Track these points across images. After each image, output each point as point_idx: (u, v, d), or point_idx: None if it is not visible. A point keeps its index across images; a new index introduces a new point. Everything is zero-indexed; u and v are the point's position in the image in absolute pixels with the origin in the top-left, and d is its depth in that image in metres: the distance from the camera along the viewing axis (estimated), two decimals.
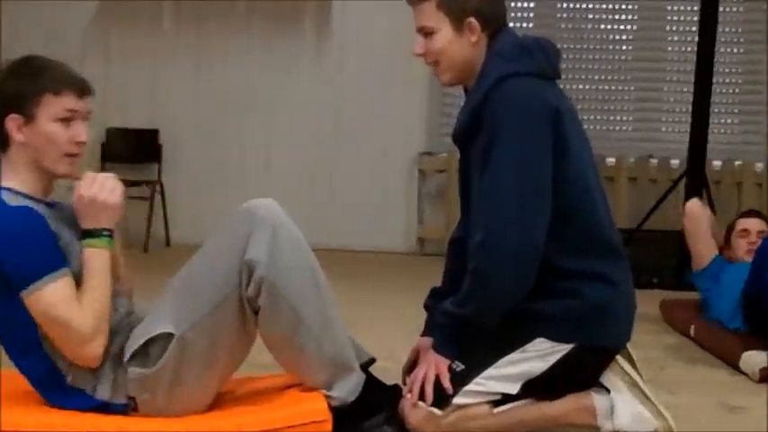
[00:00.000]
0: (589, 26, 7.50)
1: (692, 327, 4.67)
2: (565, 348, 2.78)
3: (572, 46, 7.47)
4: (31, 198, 2.60)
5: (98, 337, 2.56)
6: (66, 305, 2.52)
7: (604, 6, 7.51)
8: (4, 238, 2.49)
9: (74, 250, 2.58)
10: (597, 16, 7.53)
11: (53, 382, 2.62)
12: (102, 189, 2.57)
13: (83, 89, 2.62)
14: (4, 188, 2.58)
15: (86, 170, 2.68)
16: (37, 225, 2.52)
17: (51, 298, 2.50)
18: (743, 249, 4.66)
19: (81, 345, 2.54)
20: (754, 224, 4.74)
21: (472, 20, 2.75)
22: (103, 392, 2.64)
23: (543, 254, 2.73)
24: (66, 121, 2.57)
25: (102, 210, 2.58)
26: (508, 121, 2.70)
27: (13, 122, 2.55)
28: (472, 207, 2.89)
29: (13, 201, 2.55)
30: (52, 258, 2.52)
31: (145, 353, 2.62)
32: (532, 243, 2.69)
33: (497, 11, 2.83)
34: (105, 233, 2.60)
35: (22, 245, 2.49)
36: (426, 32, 2.80)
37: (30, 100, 2.54)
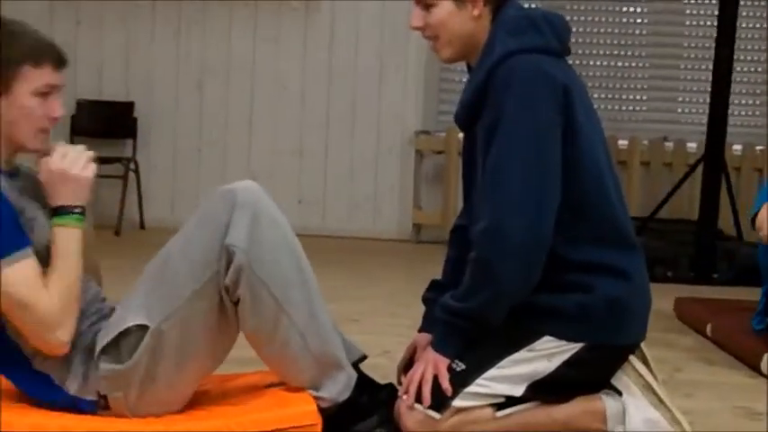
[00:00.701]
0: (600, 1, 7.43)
1: (709, 325, 4.49)
2: (574, 347, 2.70)
3: (582, 18, 7.27)
4: None
5: (65, 323, 2.50)
6: (30, 287, 2.45)
7: None
8: None
9: (39, 223, 2.53)
10: None
11: (18, 366, 2.58)
12: (75, 164, 2.51)
13: (61, 60, 2.57)
14: None
15: (56, 143, 2.62)
16: (2, 207, 2.50)
17: (13, 279, 2.44)
18: None
19: (46, 331, 2.48)
20: None
21: None
22: (72, 386, 2.56)
23: (552, 244, 2.63)
24: (44, 95, 2.52)
25: (73, 186, 2.53)
26: (514, 100, 2.62)
27: None
28: (476, 192, 2.79)
29: None
30: (14, 237, 2.46)
31: (117, 347, 2.55)
32: (540, 232, 2.62)
33: None
34: (76, 210, 2.53)
35: None
36: (425, 4, 2.75)
37: (7, 70, 2.49)
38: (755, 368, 3.94)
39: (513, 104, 2.62)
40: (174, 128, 7.20)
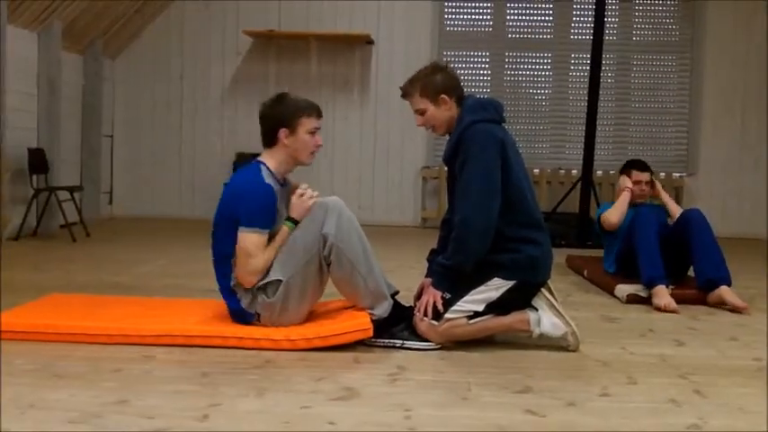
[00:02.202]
0: (522, 88, 9.15)
1: (585, 270, 5.50)
2: (511, 283, 3.25)
3: (515, 101, 9.14)
4: (275, 178, 3.26)
5: (259, 274, 3.22)
6: (255, 249, 3.18)
7: (531, 76, 9.14)
8: (251, 199, 3.18)
9: (280, 219, 3.25)
10: (528, 82, 9.20)
11: (225, 282, 3.31)
12: (305, 200, 3.24)
13: (320, 113, 3.33)
14: (263, 163, 3.29)
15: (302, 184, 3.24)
16: (270, 201, 3.19)
17: (250, 240, 3.17)
18: (634, 196, 5.12)
19: (249, 274, 3.22)
20: (643, 176, 5.19)
21: (443, 96, 3.32)
22: (244, 302, 3.30)
23: (497, 227, 3.18)
24: (312, 133, 3.29)
25: (300, 210, 3.26)
26: (474, 149, 3.17)
27: (282, 133, 3.26)
28: (455, 200, 3.28)
29: (266, 177, 3.22)
30: (266, 219, 3.19)
31: (266, 288, 3.24)
32: (490, 221, 3.16)
33: (456, 85, 3.36)
34: (293, 223, 3.26)
35: (257, 205, 3.18)
36: (420, 112, 3.38)
37: (294, 120, 3.25)
38: (611, 293, 4.80)
39: (474, 151, 3.17)
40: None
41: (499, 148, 3.20)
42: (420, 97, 3.34)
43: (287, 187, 3.38)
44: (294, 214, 3.24)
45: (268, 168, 3.27)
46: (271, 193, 3.18)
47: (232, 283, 3.26)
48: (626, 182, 5.15)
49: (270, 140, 3.28)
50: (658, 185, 5.25)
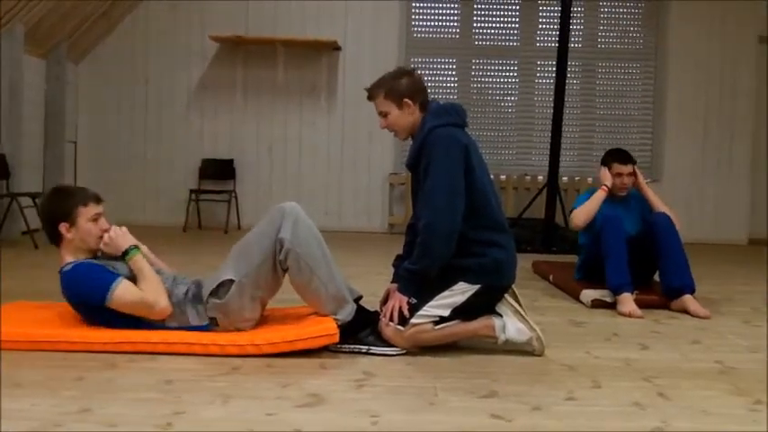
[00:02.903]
0: (489, 95, 9.20)
1: (552, 276, 5.47)
2: (476, 287, 3.23)
3: (481, 107, 9.21)
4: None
5: (160, 299, 3.22)
6: (133, 292, 3.17)
7: (497, 83, 9.20)
8: (83, 280, 3.19)
9: (120, 267, 3.27)
10: (494, 89, 9.24)
11: (163, 326, 3.29)
12: (113, 233, 3.31)
13: (98, 198, 3.31)
14: (67, 262, 3.33)
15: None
16: (93, 266, 3.24)
17: (122, 292, 3.16)
18: (617, 189, 4.90)
19: (153, 307, 3.21)
20: (625, 168, 4.91)
21: (406, 100, 3.35)
22: (193, 320, 3.29)
23: (461, 231, 3.15)
24: (94, 220, 3.28)
25: (120, 240, 3.32)
26: (438, 154, 3.17)
27: (63, 227, 3.27)
28: (419, 204, 3.28)
29: (73, 262, 3.28)
30: (108, 276, 3.18)
31: (218, 291, 3.23)
32: (454, 225, 3.15)
33: (420, 90, 3.39)
34: (131, 248, 3.31)
35: (91, 278, 3.20)
36: (383, 115, 3.39)
37: (71, 212, 3.26)
38: (577, 298, 4.80)
39: (437, 156, 3.16)
40: (257, 173, 9.02)
41: (462, 152, 3.21)
42: (384, 99, 3.36)
43: (101, 257, 3.40)
44: (120, 249, 3.28)
45: (71, 263, 3.30)
46: (87, 262, 3.23)
47: (165, 321, 3.28)
48: (605, 177, 4.91)
49: (55, 238, 3.30)
50: (641, 177, 4.98)
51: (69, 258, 3.24)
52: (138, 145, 9.21)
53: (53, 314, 3.62)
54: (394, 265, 3.55)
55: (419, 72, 3.52)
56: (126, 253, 3.25)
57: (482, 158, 3.35)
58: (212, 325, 3.27)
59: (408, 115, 3.36)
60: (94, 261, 3.22)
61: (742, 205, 9.18)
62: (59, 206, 3.23)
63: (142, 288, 3.15)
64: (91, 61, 9.14)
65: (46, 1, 7.41)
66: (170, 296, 3.23)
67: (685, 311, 4.52)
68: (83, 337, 3.26)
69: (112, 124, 9.19)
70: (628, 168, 4.86)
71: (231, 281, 3.19)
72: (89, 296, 3.13)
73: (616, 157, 4.93)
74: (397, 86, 3.33)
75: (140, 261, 3.24)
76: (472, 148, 3.27)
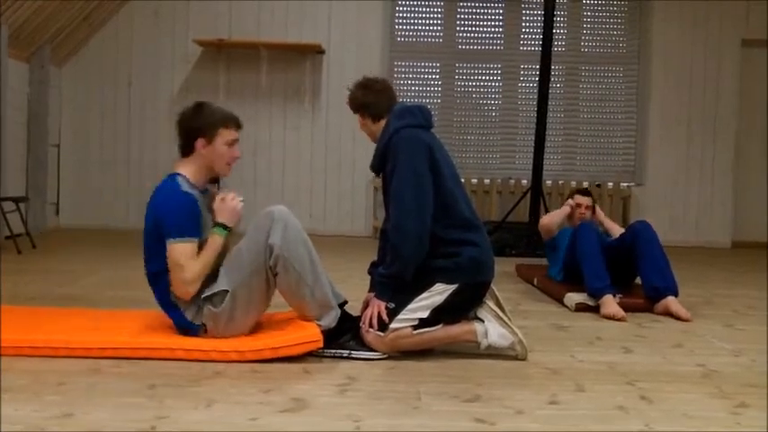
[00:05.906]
0: (472, 98, 9.21)
1: (535, 279, 5.49)
2: (454, 286, 3.24)
3: (465, 111, 9.19)
4: (194, 187, 3.22)
5: (195, 283, 3.16)
6: (186, 259, 3.11)
7: (481, 87, 9.20)
8: (174, 209, 3.14)
9: (207, 226, 3.20)
10: (478, 92, 9.24)
11: (165, 297, 3.27)
12: (234, 203, 3.22)
13: (239, 124, 3.32)
14: (180, 174, 3.25)
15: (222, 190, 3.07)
16: (194, 209, 3.16)
17: (179, 251, 3.10)
18: (575, 218, 5.33)
19: (181, 284, 3.15)
20: (584, 200, 5.38)
21: (359, 112, 3.50)
22: (189, 315, 3.25)
23: (433, 231, 3.17)
24: (230, 144, 3.28)
25: (231, 215, 3.24)
26: (402, 156, 3.21)
27: (200, 143, 3.25)
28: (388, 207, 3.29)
29: (186, 187, 3.18)
30: (192, 230, 3.15)
31: (212, 299, 3.20)
32: (423, 226, 3.18)
33: (371, 104, 3.47)
34: (226, 229, 3.23)
35: (181, 215, 3.13)
36: (361, 122, 3.55)
37: (212, 130, 3.23)
38: (561, 302, 4.83)
39: (402, 158, 3.21)
40: (240, 177, 8.91)
41: (427, 153, 3.23)
42: (361, 117, 3.49)
43: (207, 194, 3.36)
44: (221, 218, 3.22)
45: (186, 178, 3.24)
46: (193, 202, 3.15)
47: (172, 298, 3.24)
48: (569, 201, 5.43)
49: (187, 150, 3.26)
50: (599, 211, 5.42)
51: (187, 173, 3.21)
52: (121, 148, 9.21)
53: (36, 319, 3.61)
54: (369, 273, 3.57)
55: (385, 79, 3.63)
56: (219, 226, 3.23)
57: (448, 158, 3.37)
58: (202, 330, 3.27)
59: (368, 126, 3.49)
60: (199, 203, 3.18)
61: (725, 208, 9.26)
62: (203, 121, 3.21)
63: (197, 262, 3.13)
64: (74, 65, 9.14)
65: (30, 2, 7.38)
66: None
67: (668, 313, 4.55)
68: (65, 343, 3.25)
69: (96, 127, 9.19)
70: (586, 200, 5.30)
71: (225, 291, 3.19)
72: (164, 221, 3.10)
73: (578, 190, 5.51)
74: (353, 98, 3.48)
75: (216, 242, 3.19)
76: (437, 147, 3.29)
